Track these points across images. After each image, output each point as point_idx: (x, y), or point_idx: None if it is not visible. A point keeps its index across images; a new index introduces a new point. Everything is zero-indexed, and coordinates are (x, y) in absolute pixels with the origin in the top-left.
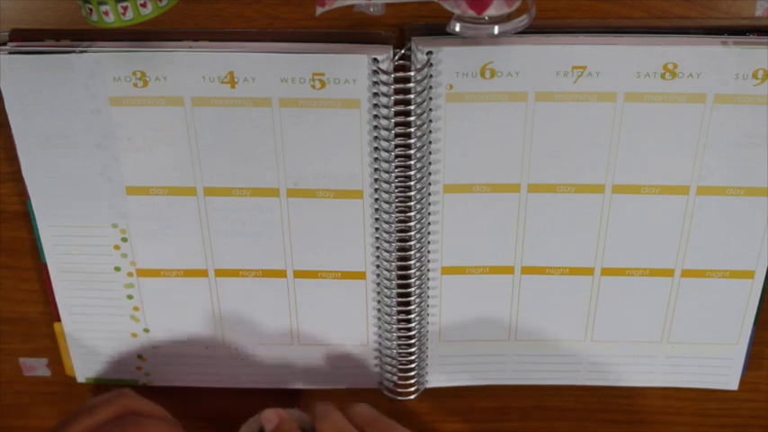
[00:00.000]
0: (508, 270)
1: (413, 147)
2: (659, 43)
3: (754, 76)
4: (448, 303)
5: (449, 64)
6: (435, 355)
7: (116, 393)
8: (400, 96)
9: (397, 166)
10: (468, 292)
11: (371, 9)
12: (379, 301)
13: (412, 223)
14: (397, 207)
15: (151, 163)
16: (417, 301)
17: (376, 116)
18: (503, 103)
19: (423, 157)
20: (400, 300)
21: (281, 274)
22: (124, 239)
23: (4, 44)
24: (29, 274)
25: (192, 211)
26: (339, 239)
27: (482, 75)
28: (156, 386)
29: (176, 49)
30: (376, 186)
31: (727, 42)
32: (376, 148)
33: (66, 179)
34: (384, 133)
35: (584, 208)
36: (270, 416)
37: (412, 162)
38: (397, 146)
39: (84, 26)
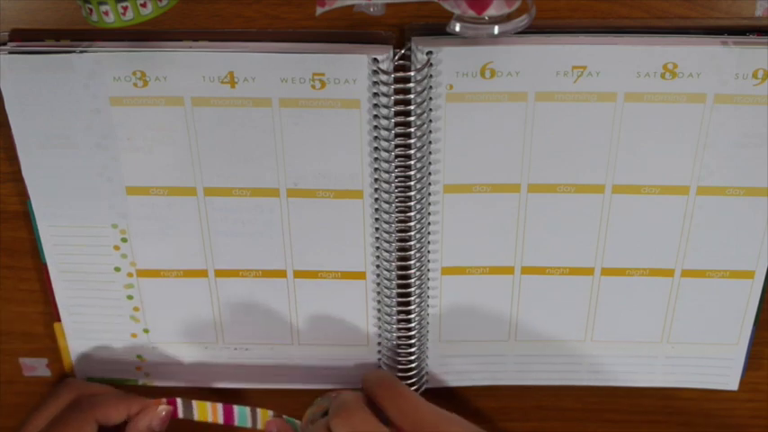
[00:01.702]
0: (508, 270)
1: (413, 147)
2: (659, 43)
3: (754, 76)
4: (448, 303)
5: (449, 64)
6: (435, 355)
7: (61, 385)
8: (400, 96)
9: (397, 166)
10: (469, 292)
11: (371, 9)
12: (379, 301)
13: (412, 223)
14: (397, 207)
15: (151, 163)
16: (417, 301)
17: (376, 116)
18: (503, 103)
19: (423, 157)
20: (400, 300)
21: (281, 274)
22: (124, 240)
23: (4, 44)
24: (29, 274)
25: (192, 211)
26: (339, 239)
27: (482, 75)
28: (155, 386)
29: (176, 49)
30: (376, 186)
31: (727, 42)
32: (376, 148)
33: (67, 179)
34: (384, 133)
35: (585, 208)
36: (270, 426)
37: (412, 162)
38: (397, 146)
39: (84, 26)
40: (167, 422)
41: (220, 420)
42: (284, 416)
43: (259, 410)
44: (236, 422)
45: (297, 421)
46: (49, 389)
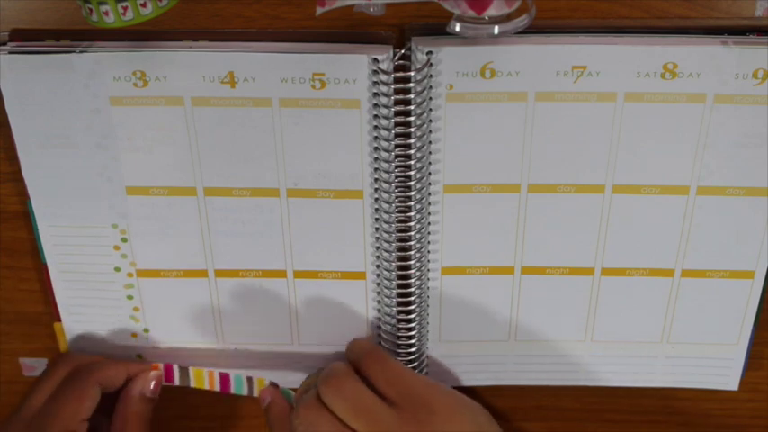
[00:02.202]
0: (508, 270)
1: (413, 147)
2: (659, 43)
3: (754, 76)
4: (448, 303)
5: (449, 64)
6: (435, 355)
7: (56, 358)
8: (400, 96)
9: (397, 166)
10: (468, 292)
11: (371, 9)
12: (379, 301)
13: (412, 223)
14: (397, 207)
15: (151, 163)
16: (417, 301)
17: (376, 116)
18: (503, 103)
19: (423, 157)
20: (400, 300)
21: (281, 274)
22: (124, 240)
23: (4, 44)
24: (29, 274)
25: (192, 211)
26: (339, 239)
27: (482, 75)
28: None
29: (176, 49)
30: (376, 186)
31: (727, 42)
32: (376, 148)
33: (67, 179)
34: (384, 133)
35: (585, 208)
36: (264, 394)
37: (412, 162)
38: (397, 146)
39: (84, 26)
40: (159, 388)
41: (217, 388)
42: (280, 387)
43: (255, 379)
44: (233, 390)
45: (293, 392)
46: (49, 365)
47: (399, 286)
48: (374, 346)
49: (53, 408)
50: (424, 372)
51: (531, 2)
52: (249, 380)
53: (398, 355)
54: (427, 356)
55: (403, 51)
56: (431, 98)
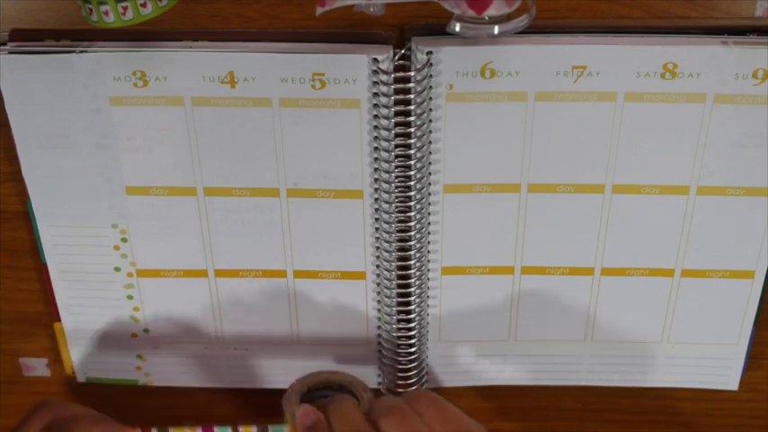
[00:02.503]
0: (508, 270)
1: (413, 147)
2: (659, 43)
3: (754, 75)
4: (448, 303)
5: (449, 64)
6: (435, 356)
7: (37, 408)
8: (400, 96)
9: (397, 166)
10: (468, 292)
11: (371, 9)
12: (379, 302)
13: (412, 223)
14: (397, 207)
15: (151, 163)
16: (417, 301)
17: (376, 116)
18: (503, 103)
19: (423, 157)
20: (400, 300)
21: (281, 274)
22: (124, 240)
23: (4, 44)
24: (29, 274)
25: (192, 211)
26: (339, 239)
27: (482, 75)
28: (155, 386)
29: (176, 49)
30: (376, 186)
31: (727, 42)
32: (376, 148)
33: (67, 179)
34: (384, 133)
35: (585, 208)
36: (307, 412)
37: (412, 162)
38: (397, 146)
39: (84, 26)
40: None
41: None
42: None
43: (241, 428)
44: None
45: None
46: (27, 413)
47: (399, 286)
48: (428, 392)
49: None
50: (423, 372)
51: (531, 2)
52: (235, 429)
53: (398, 355)
54: (427, 356)
55: (403, 51)
56: (431, 98)
